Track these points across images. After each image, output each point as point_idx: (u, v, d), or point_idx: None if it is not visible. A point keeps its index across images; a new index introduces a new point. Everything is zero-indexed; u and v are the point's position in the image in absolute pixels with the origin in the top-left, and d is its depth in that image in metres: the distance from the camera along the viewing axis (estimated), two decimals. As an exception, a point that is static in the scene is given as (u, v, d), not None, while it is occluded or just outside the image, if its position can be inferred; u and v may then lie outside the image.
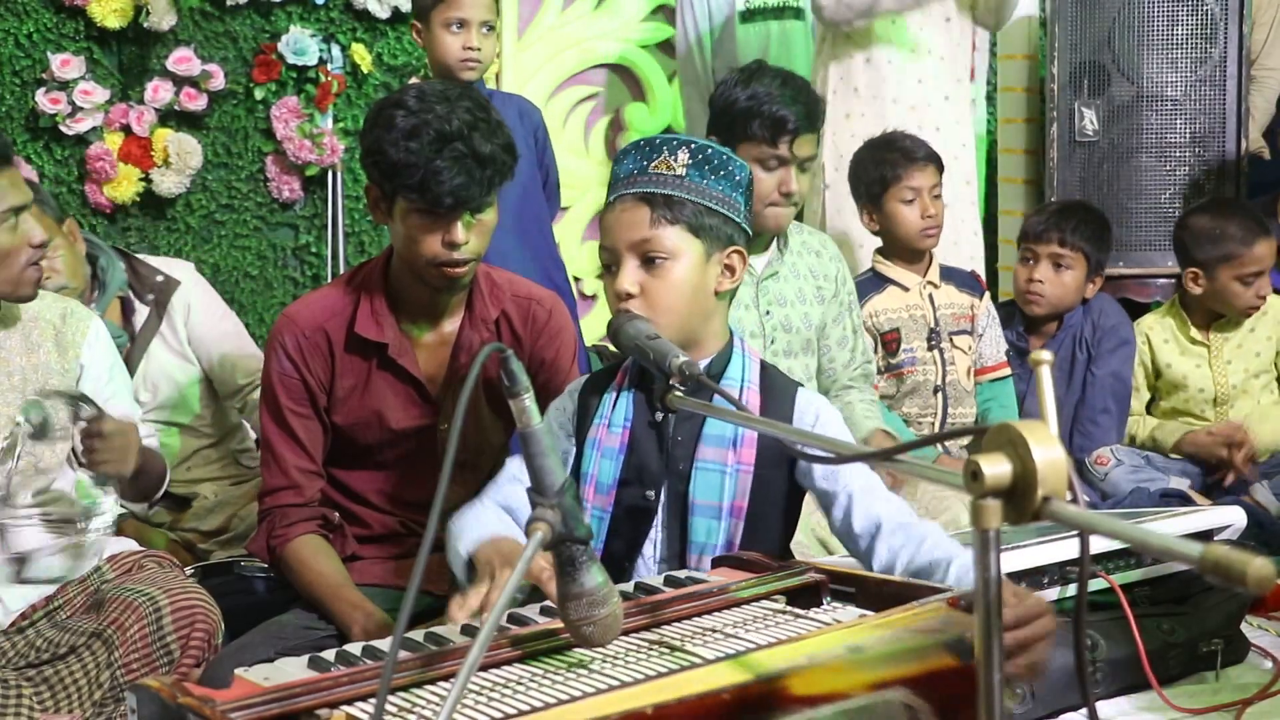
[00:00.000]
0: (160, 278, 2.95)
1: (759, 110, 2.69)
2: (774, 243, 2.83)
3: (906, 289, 3.29)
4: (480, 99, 2.17)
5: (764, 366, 1.93)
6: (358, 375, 2.23)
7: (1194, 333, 3.50)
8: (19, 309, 2.26)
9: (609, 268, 1.85)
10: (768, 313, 2.80)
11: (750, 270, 2.76)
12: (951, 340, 3.30)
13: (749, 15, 3.84)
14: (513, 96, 3.54)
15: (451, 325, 2.26)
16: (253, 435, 3.08)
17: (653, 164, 1.82)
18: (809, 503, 1.91)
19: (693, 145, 1.84)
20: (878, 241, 3.36)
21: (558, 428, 1.92)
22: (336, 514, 2.28)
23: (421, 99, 2.11)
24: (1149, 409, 3.62)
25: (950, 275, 3.38)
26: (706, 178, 1.82)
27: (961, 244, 3.72)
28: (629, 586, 1.58)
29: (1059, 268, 3.49)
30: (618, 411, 1.86)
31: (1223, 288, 3.43)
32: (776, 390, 1.89)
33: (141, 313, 2.91)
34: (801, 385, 1.95)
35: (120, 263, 2.93)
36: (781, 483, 1.86)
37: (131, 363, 2.85)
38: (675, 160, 1.81)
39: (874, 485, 1.80)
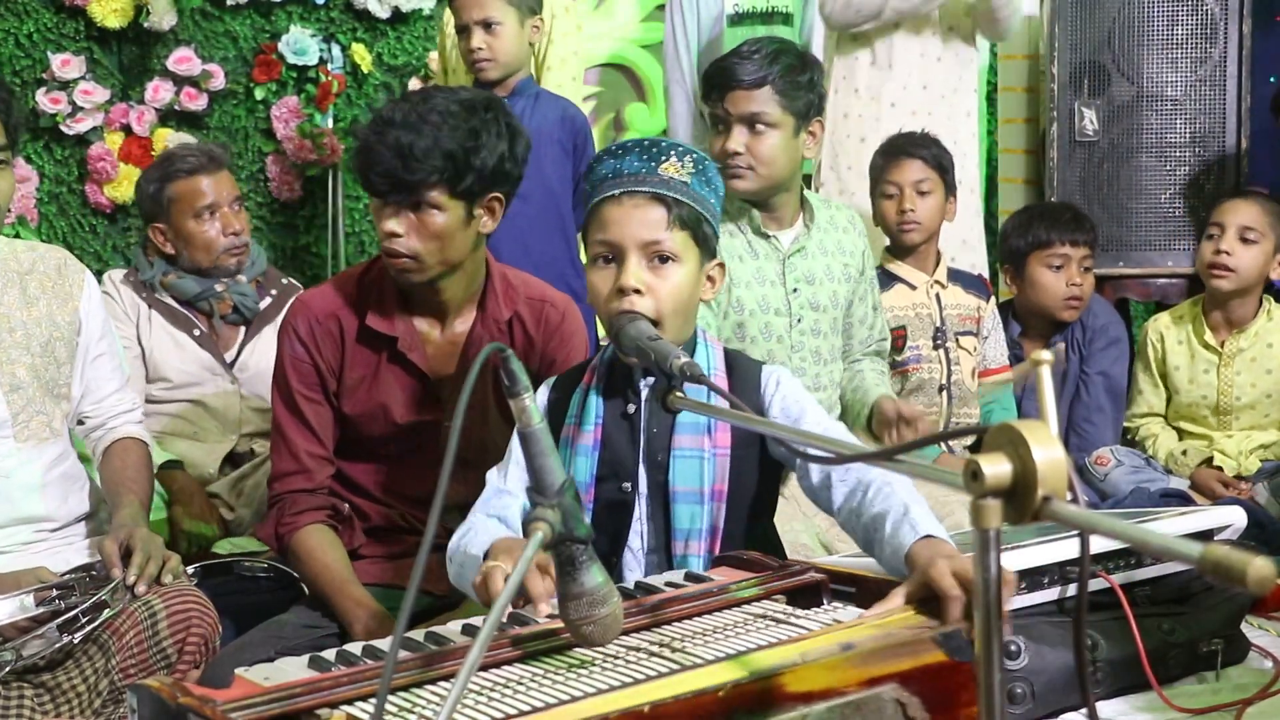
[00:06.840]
0: (285, 280, 3.42)
1: (710, 70, 2.69)
2: (800, 218, 2.77)
3: (914, 287, 3.29)
4: (481, 104, 2.15)
5: (726, 352, 1.95)
6: (367, 367, 2.24)
7: (1209, 337, 3.44)
8: (13, 260, 2.26)
9: (601, 259, 1.83)
10: (795, 290, 2.74)
11: (776, 245, 2.74)
12: (957, 340, 3.30)
13: (738, 19, 3.85)
14: (559, 99, 3.51)
15: (463, 324, 2.27)
16: None
17: (662, 165, 1.81)
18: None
19: (693, 155, 1.85)
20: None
21: None
22: (346, 505, 2.29)
23: (419, 94, 2.17)
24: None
25: (957, 277, 3.39)
26: (703, 188, 1.84)
27: (967, 249, 3.73)
28: (629, 586, 1.59)
29: (1086, 270, 3.51)
30: (588, 410, 1.87)
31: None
32: (741, 372, 1.92)
33: (264, 300, 3.29)
34: (764, 363, 1.96)
35: (263, 248, 3.48)
36: (757, 461, 1.88)
37: (245, 336, 3.24)
38: (682, 166, 1.82)
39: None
